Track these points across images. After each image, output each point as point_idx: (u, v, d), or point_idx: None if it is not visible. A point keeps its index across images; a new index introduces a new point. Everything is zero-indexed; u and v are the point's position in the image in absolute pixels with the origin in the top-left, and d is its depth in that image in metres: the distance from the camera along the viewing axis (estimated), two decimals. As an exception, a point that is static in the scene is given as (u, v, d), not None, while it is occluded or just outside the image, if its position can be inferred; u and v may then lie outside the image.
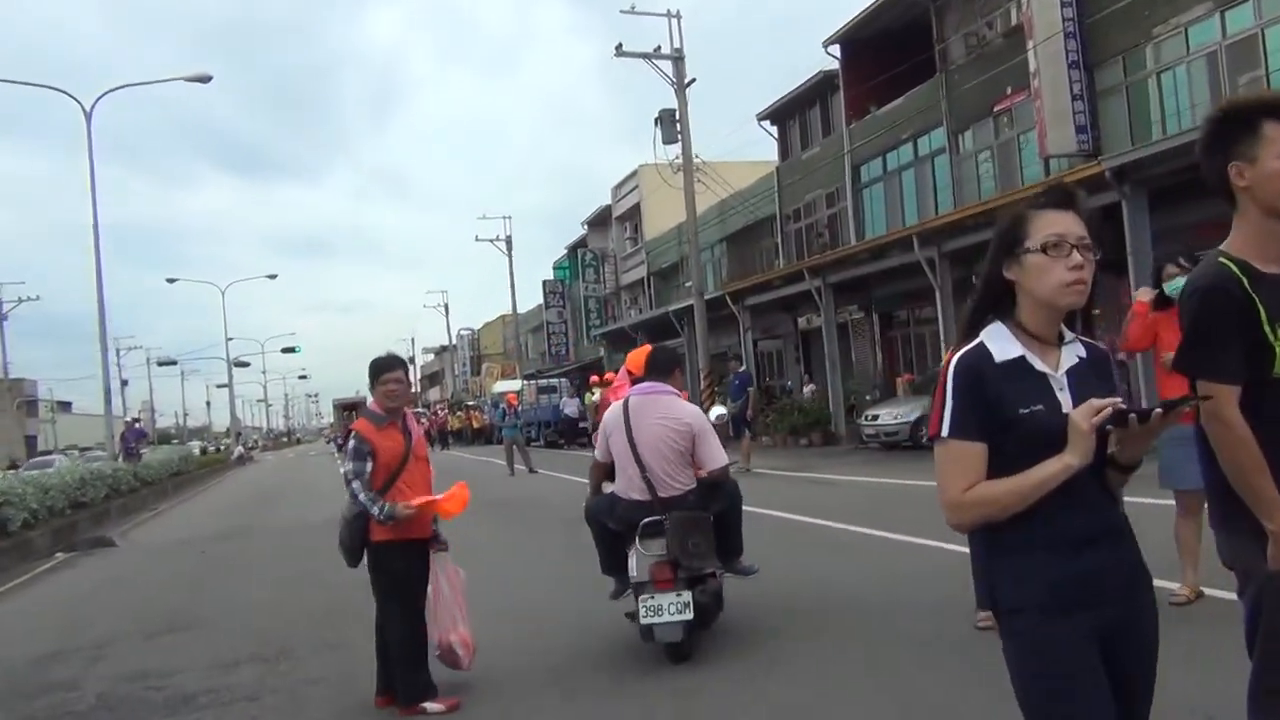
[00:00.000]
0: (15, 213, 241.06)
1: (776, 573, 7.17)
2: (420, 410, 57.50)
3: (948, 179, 24.38)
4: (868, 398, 25.02)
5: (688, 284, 30.95)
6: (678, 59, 27.73)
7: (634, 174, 46.55)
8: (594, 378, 24.95)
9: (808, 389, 24.55)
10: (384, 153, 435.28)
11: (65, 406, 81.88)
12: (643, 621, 5.44)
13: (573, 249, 55.40)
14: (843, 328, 26.20)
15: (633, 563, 5.66)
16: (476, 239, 53.41)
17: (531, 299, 61.36)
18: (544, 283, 55.92)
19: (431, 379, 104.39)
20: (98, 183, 24.59)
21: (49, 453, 65.48)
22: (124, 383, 78.34)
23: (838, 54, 28.16)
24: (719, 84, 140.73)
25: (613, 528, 5.85)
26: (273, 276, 60.92)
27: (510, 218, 58.08)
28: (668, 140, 27.79)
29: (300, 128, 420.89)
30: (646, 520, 5.59)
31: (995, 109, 22.43)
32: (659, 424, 5.66)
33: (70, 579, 12.00)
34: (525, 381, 40.55)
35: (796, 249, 31.86)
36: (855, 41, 27.32)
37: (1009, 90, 21.89)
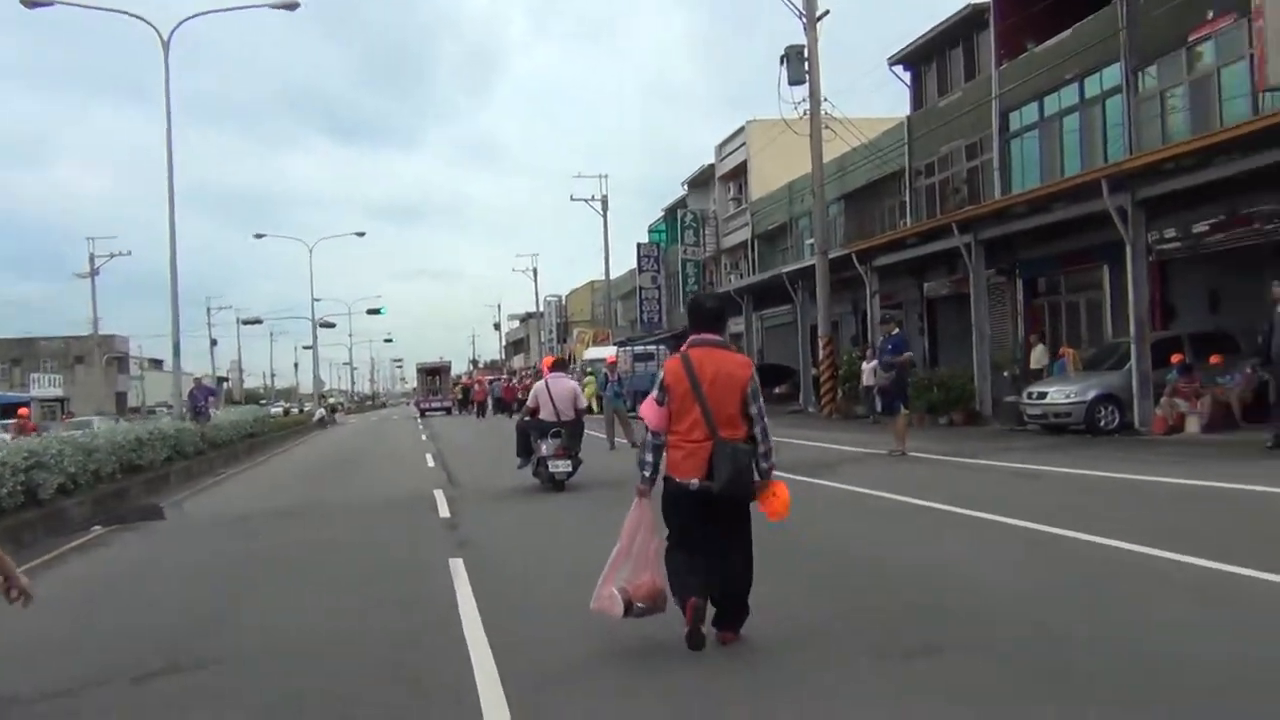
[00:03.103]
0: (113, 171, 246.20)
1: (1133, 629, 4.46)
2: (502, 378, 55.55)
3: (1121, 123, 21.04)
4: (1005, 374, 21.96)
5: (809, 241, 28.00)
6: (808, -12, 24.74)
7: (740, 130, 43.66)
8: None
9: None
10: (479, 119, 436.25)
11: (157, 364, 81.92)
12: (550, 470, 12.55)
13: (670, 210, 52.67)
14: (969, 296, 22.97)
15: (542, 447, 12.64)
16: (572, 198, 51.21)
17: (623, 266, 58.96)
18: (638, 245, 53.27)
19: (516, 346, 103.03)
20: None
21: (137, 409, 65.51)
22: (213, 342, 78.21)
23: (990, -15, 24.91)
24: (845, 28, 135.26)
25: (531, 434, 12.98)
26: (361, 234, 59.67)
27: (607, 176, 55.64)
28: (794, 80, 24.87)
29: (397, 93, 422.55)
30: (553, 429, 12.70)
31: (1192, 37, 19.03)
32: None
33: (85, 568, 9.72)
34: (620, 348, 37.99)
35: (928, 206, 28.69)
36: (1012, -32, 24.04)
37: (1210, 14, 18.51)
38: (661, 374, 5.24)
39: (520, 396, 31.65)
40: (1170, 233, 18.54)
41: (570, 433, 12.77)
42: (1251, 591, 5.49)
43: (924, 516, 8.97)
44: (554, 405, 12.83)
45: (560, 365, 15.01)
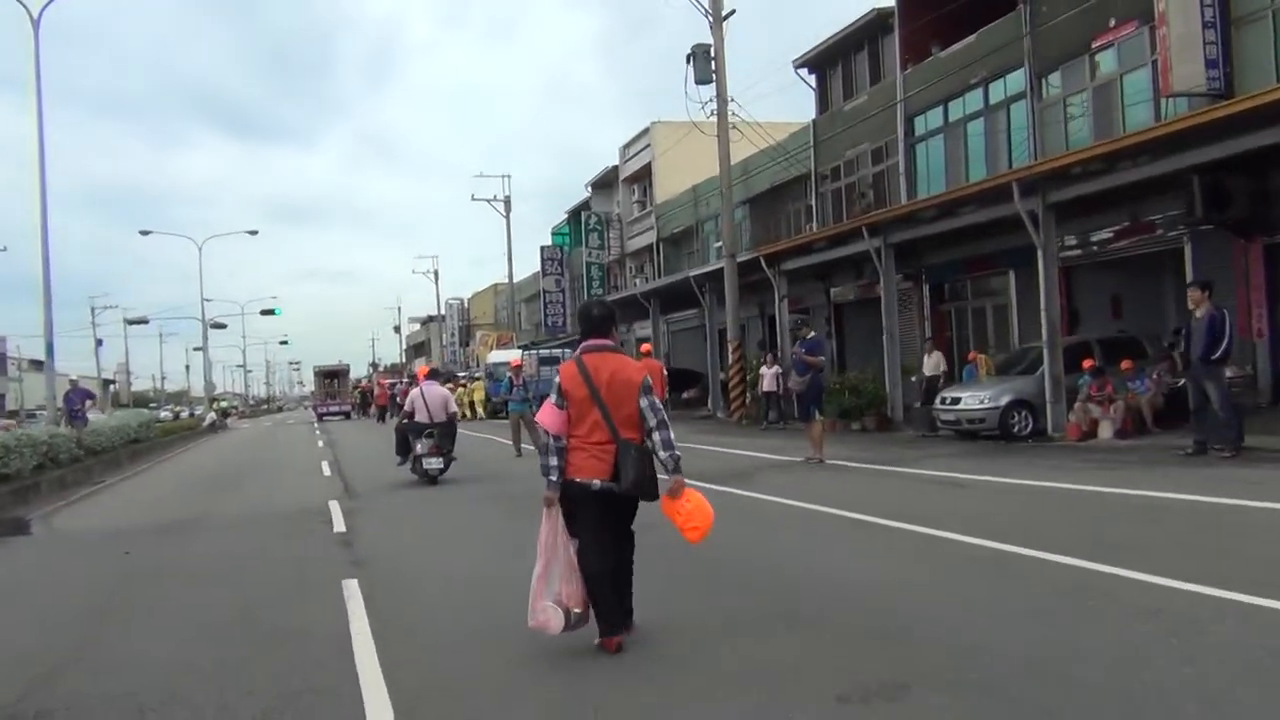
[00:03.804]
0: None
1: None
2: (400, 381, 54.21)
3: (1026, 129, 21.17)
4: (913, 379, 21.91)
5: (716, 244, 27.71)
6: (715, -13, 24.43)
7: (645, 132, 43.28)
8: (645, 346, 21.72)
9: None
10: (380, 118, 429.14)
11: (38, 365, 77.92)
12: (424, 466, 14.26)
13: (574, 212, 52.01)
14: (879, 301, 22.83)
15: (418, 446, 14.37)
16: (473, 198, 50.23)
17: (527, 269, 58.11)
18: (542, 249, 52.54)
19: (417, 349, 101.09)
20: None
21: (16, 413, 62.07)
22: (98, 343, 75.06)
23: (895, -11, 24.90)
24: (750, 32, 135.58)
25: (409, 434, 14.68)
26: (253, 232, 57.48)
27: (509, 177, 54.72)
28: (700, 79, 24.54)
29: (296, 91, 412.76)
30: (427, 430, 14.43)
31: (1094, 44, 19.19)
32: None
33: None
34: (525, 351, 37.22)
35: (834, 210, 28.63)
36: (917, -27, 24.07)
37: (1112, 22, 18.69)
38: (558, 379, 5.28)
39: (399, 401, 31.23)
40: (1073, 240, 18.67)
41: (442, 433, 14.62)
42: (1227, 614, 5.13)
43: (857, 530, 8.54)
44: (428, 409, 14.64)
45: (434, 374, 16.92)
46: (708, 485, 11.97)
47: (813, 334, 14.54)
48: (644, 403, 5.15)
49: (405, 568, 8.32)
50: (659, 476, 5.18)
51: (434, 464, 14.33)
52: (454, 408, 15.38)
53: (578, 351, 5.37)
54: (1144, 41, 18.09)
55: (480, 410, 39.87)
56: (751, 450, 16.91)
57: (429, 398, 14.73)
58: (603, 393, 5.11)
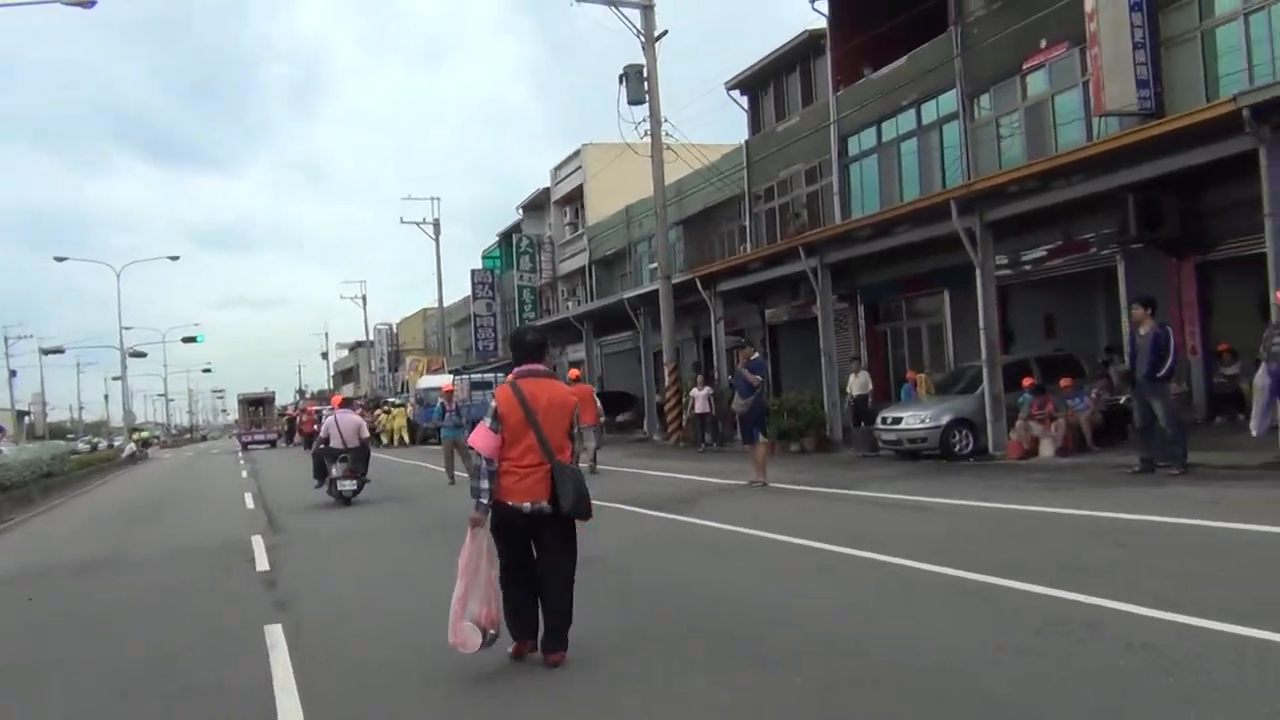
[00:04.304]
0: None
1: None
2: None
3: (959, 149, 21.26)
4: (847, 400, 21.73)
5: (651, 266, 27.45)
6: (647, 7, 24.26)
7: (576, 154, 42.98)
8: (574, 371, 21.33)
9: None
10: (307, 143, 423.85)
11: (-59, 398, 74.97)
12: (339, 488, 15.36)
13: (505, 235, 51.43)
14: (815, 321, 22.69)
15: (334, 470, 15.44)
16: (402, 221, 49.23)
17: (457, 293, 57.37)
18: (472, 272, 51.79)
19: (345, 375, 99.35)
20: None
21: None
22: (12, 373, 72.64)
23: (825, 11, 24.94)
24: (682, 56, 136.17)
25: (325, 459, 15.69)
26: (174, 258, 56.52)
27: (439, 199, 54.09)
28: (633, 100, 24.29)
29: (221, 115, 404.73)
30: (342, 454, 15.44)
31: (1026, 65, 19.33)
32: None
33: None
34: (457, 376, 36.48)
35: (768, 231, 28.54)
36: (848, -5, 24.13)
37: (1043, 43, 18.84)
38: (494, 402, 5.37)
39: (315, 428, 30.90)
40: (1004, 260, 18.67)
41: (355, 457, 15.73)
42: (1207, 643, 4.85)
43: (808, 558, 8.19)
44: (341, 436, 15.60)
45: (348, 403, 19.03)
46: (650, 511, 11.62)
47: (756, 355, 14.27)
48: (577, 427, 5.52)
49: (332, 608, 7.76)
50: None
51: (348, 485, 15.51)
52: (366, 433, 16.49)
53: (512, 376, 5.48)
54: (1075, 62, 18.24)
55: (405, 437, 38.84)
56: (692, 474, 16.56)
57: (342, 425, 15.76)
58: (539, 416, 5.24)
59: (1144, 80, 16.42)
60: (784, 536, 9.02)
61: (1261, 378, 10.95)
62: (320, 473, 15.96)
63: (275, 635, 6.65)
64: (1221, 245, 15.66)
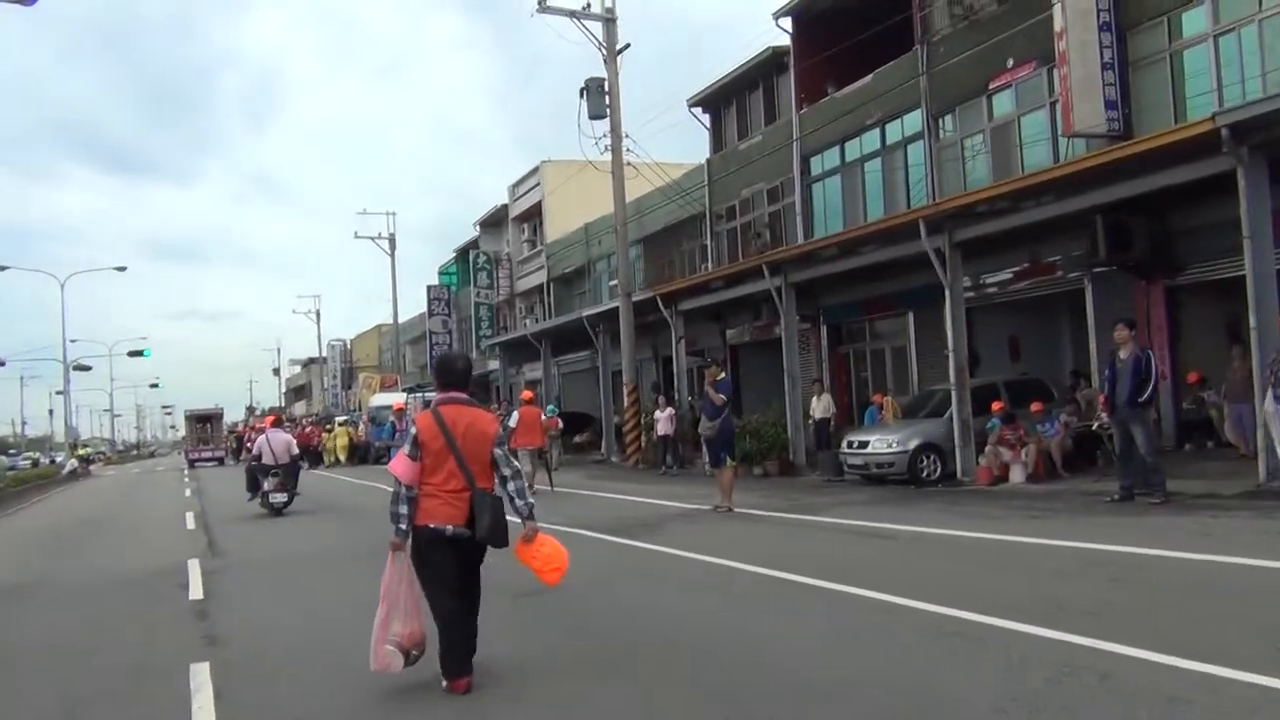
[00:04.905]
0: None
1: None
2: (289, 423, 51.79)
3: (924, 169, 21.03)
4: (810, 422, 21.33)
5: (611, 283, 26.96)
6: (609, 20, 23.86)
7: (535, 170, 42.46)
8: (526, 393, 20.73)
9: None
10: (261, 156, 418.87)
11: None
12: (270, 500, 16.65)
13: (462, 251, 50.72)
14: (777, 343, 22.30)
15: (265, 484, 16.75)
16: (356, 235, 48.53)
17: (413, 309, 56.50)
18: (429, 288, 51.00)
19: (297, 392, 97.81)
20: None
21: None
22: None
23: (789, 28, 24.71)
24: (642, 72, 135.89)
25: (258, 474, 16.95)
26: (121, 269, 55.33)
27: (394, 214, 53.22)
28: (594, 114, 23.83)
29: (173, 126, 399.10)
30: (273, 469, 16.82)
31: (992, 85, 19.14)
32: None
33: None
34: (409, 395, 35.64)
35: (730, 250, 28.18)
36: (811, 12, 23.90)
37: (1010, 63, 18.66)
38: (414, 430, 5.48)
39: (247, 446, 32.18)
40: (969, 281, 18.39)
41: (286, 472, 17.11)
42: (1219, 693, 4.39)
43: (783, 589, 7.68)
44: (273, 453, 16.99)
45: (279, 423, 22.12)
46: (612, 538, 11.07)
47: (723, 375, 13.80)
48: (497, 453, 5.44)
49: (268, 643, 7.12)
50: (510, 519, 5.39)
51: (279, 498, 16.91)
52: (296, 450, 18.50)
53: (434, 403, 5.62)
54: (1042, 82, 18.09)
55: (340, 457, 37.24)
56: (654, 497, 16.02)
57: (273, 443, 17.21)
58: (459, 443, 5.34)
59: (1112, 101, 16.29)
60: (755, 567, 8.50)
61: (1270, 403, 10.60)
62: (253, 486, 17.17)
63: (201, 676, 6.07)
64: (1190, 269, 15.48)
